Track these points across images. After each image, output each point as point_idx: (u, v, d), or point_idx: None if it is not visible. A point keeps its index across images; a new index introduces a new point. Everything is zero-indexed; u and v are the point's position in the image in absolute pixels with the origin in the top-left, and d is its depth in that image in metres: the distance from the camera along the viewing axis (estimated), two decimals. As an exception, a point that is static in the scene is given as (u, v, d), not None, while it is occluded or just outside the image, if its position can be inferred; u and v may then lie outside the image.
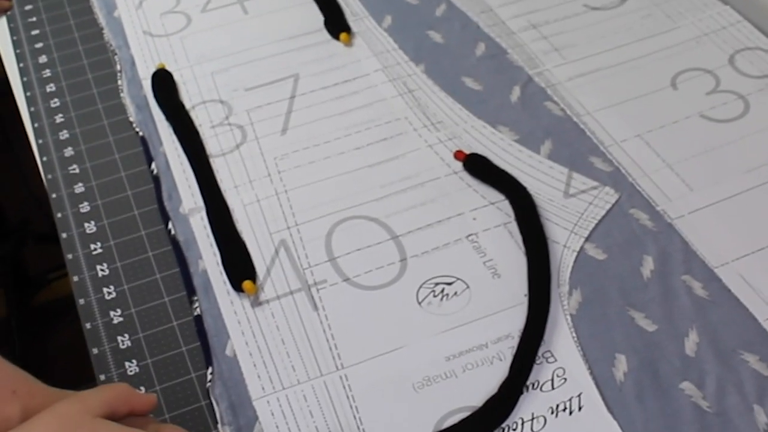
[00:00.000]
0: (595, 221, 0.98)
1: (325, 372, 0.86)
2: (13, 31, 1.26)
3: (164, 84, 1.15)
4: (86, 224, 1.00)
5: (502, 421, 0.82)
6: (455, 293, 0.92)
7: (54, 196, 1.04)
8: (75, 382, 0.73)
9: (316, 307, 0.91)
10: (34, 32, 1.26)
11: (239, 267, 0.94)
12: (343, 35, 1.19)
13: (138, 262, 0.96)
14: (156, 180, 1.04)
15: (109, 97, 1.16)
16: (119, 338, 0.90)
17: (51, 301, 1.91)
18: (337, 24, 1.21)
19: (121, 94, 1.16)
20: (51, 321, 1.83)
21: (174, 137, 1.09)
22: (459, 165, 1.04)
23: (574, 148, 1.06)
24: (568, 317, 0.89)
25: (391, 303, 0.91)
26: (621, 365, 0.86)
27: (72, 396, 0.68)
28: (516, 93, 1.13)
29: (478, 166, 1.03)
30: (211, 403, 0.84)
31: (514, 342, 0.88)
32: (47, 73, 1.20)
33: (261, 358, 0.87)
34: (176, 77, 1.16)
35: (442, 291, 0.92)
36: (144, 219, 1.01)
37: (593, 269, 0.94)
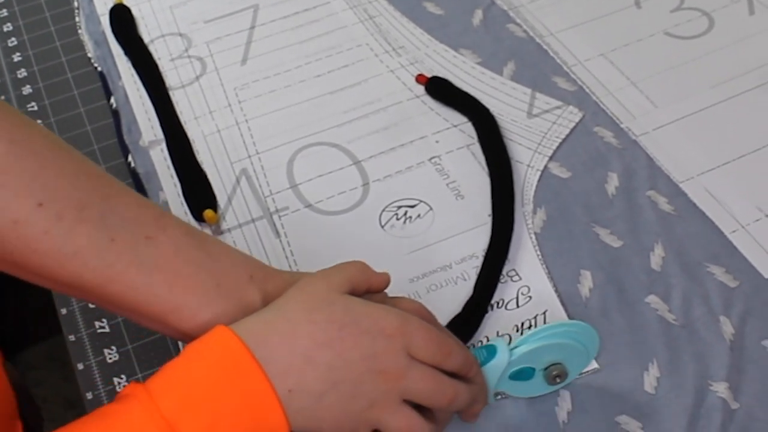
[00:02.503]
0: (559, 140, 0.97)
1: (289, 298, 0.85)
2: (-34, -26, 1.24)
3: (122, 19, 1.13)
4: (45, 160, 0.99)
5: (467, 340, 0.81)
6: (418, 216, 0.91)
7: (12, 133, 1.02)
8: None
9: (278, 234, 0.90)
10: (-11, -26, 1.24)
11: (200, 197, 0.93)
12: None
13: (98, 196, 0.95)
14: (115, 114, 1.03)
15: (66, 34, 1.15)
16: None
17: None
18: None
19: (79, 31, 1.14)
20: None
21: (133, 71, 1.07)
22: (421, 89, 1.03)
23: (538, 68, 1.05)
24: (533, 236, 0.89)
25: (354, 227, 0.91)
26: (586, 281, 0.85)
27: (314, 275, 0.68)
28: (478, 16, 1.11)
29: (440, 89, 1.02)
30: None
31: (479, 262, 0.87)
32: (3, 12, 1.18)
33: (223, 286, 0.86)
34: (134, 12, 1.14)
35: (405, 214, 0.91)
36: (104, 153, 1.00)
37: (558, 188, 0.93)
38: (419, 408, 0.65)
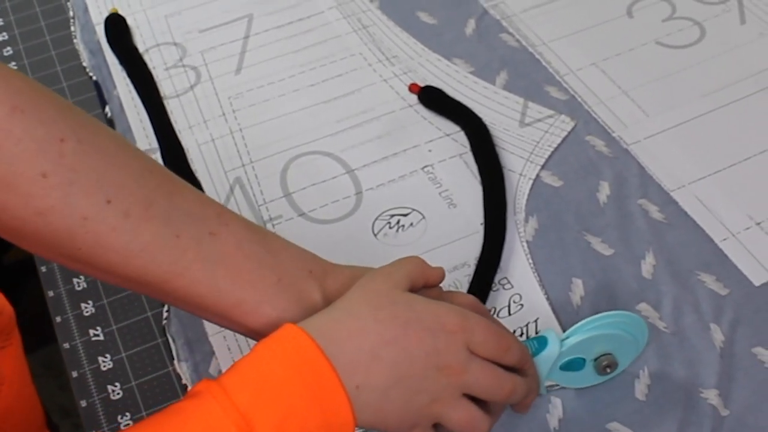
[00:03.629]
0: (551, 149, 0.97)
1: (282, 306, 0.86)
2: (-38, -18, 1.25)
3: (117, 28, 1.14)
4: (40, 169, 0.99)
5: (459, 348, 0.82)
6: (411, 224, 0.92)
7: (7, 142, 1.02)
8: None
9: (271, 243, 0.90)
10: (-15, -17, 1.24)
11: (194, 205, 0.93)
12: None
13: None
14: (110, 123, 1.03)
15: (62, 43, 1.15)
16: (75, 280, 0.90)
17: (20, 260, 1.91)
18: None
19: (75, 40, 1.15)
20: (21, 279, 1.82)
21: (128, 80, 1.08)
22: (414, 98, 1.03)
23: (530, 78, 1.05)
24: (525, 244, 0.89)
25: (347, 236, 0.91)
26: (578, 289, 0.86)
27: (375, 272, 0.69)
28: (471, 26, 1.12)
29: (432, 99, 1.02)
30: (167, 341, 0.84)
31: (471, 270, 0.87)
32: (-1, 22, 1.19)
33: (217, 295, 0.87)
34: (129, 21, 1.15)
35: (398, 222, 0.92)
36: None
37: (549, 196, 0.93)
38: (477, 401, 0.66)
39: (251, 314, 0.66)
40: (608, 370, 0.75)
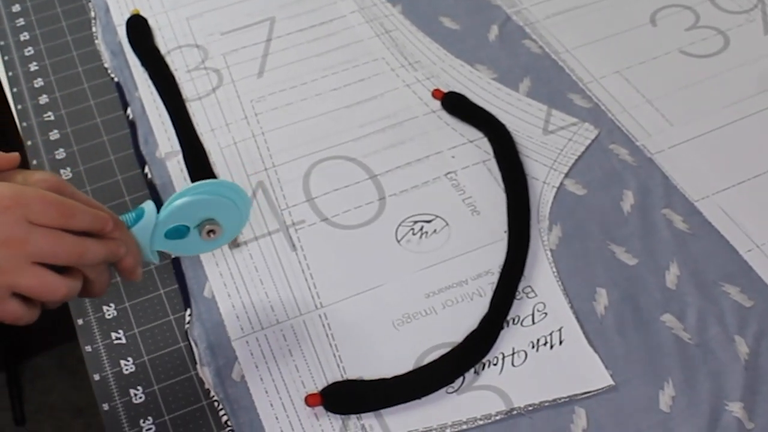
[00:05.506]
0: (575, 157, 0.97)
1: (304, 311, 0.86)
2: (-16, -18, 1.25)
3: (139, 30, 1.14)
4: (62, 170, 0.99)
5: (483, 356, 0.82)
6: (434, 231, 0.91)
7: (29, 143, 1.03)
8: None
9: (294, 248, 0.90)
10: (7, -19, 1.24)
11: (217, 209, 0.93)
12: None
13: (115, 207, 0.95)
14: (132, 125, 1.03)
15: (83, 44, 1.15)
16: (97, 282, 0.89)
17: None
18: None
19: (96, 41, 1.14)
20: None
21: (149, 82, 1.07)
22: (437, 104, 1.03)
23: (553, 85, 1.05)
24: (548, 252, 0.89)
25: (370, 242, 0.91)
26: (602, 299, 0.86)
27: None
28: (494, 32, 1.12)
29: (456, 105, 1.02)
30: (190, 345, 0.84)
31: (494, 278, 0.87)
32: (20, 22, 1.18)
33: (239, 299, 0.87)
34: (151, 23, 1.15)
35: (421, 229, 0.91)
36: (120, 164, 1.00)
37: (573, 204, 0.93)
38: (65, 270, 0.68)
39: None
40: (212, 235, 0.76)
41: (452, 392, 0.80)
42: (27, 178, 0.70)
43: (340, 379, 0.81)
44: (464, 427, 0.78)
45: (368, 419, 0.79)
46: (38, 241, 0.66)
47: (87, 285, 0.71)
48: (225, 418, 0.79)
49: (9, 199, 0.65)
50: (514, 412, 0.78)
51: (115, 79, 1.09)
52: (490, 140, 0.99)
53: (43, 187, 0.68)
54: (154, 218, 0.74)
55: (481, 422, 0.78)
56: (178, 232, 0.76)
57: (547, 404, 0.79)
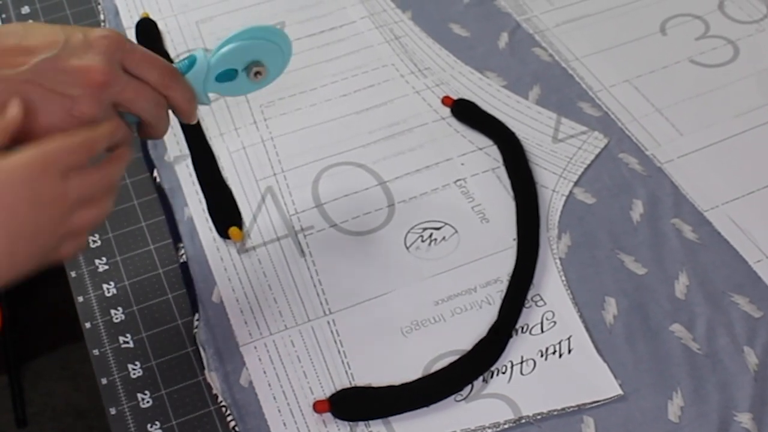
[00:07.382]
0: (584, 166, 0.97)
1: (313, 317, 0.85)
2: (-6, -18, 1.25)
3: (148, 33, 1.13)
4: (70, 173, 0.99)
5: (491, 365, 0.82)
6: (443, 238, 0.91)
7: (37, 145, 1.02)
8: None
9: (303, 253, 0.90)
10: (16, -18, 1.24)
11: (225, 214, 0.93)
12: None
13: (123, 210, 0.95)
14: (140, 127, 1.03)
15: (92, 46, 1.14)
16: (105, 286, 0.89)
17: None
18: None
19: (105, 44, 1.14)
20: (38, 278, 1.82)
21: (158, 86, 1.07)
22: (447, 111, 1.03)
23: (563, 93, 1.05)
24: (558, 261, 0.89)
25: (379, 248, 0.91)
26: (611, 308, 0.85)
27: None
28: (504, 39, 1.12)
29: (465, 112, 1.02)
30: (198, 350, 0.84)
31: (503, 286, 0.87)
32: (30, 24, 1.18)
33: (248, 304, 0.87)
34: (160, 26, 1.15)
35: (431, 236, 0.91)
36: (129, 168, 0.98)
37: (582, 213, 0.93)
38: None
39: None
40: (258, 77, 0.82)
41: (461, 400, 0.80)
42: (87, 34, 0.73)
43: (348, 385, 0.81)
44: (473, 435, 0.78)
45: (376, 426, 0.79)
46: (124, 87, 0.72)
47: (150, 129, 0.78)
48: (233, 423, 0.79)
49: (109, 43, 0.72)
50: (523, 421, 0.78)
51: (124, 83, 1.08)
52: (500, 148, 0.98)
53: (104, 43, 0.71)
54: (206, 64, 0.79)
55: (489, 431, 0.78)
56: (227, 76, 0.81)
57: (555, 413, 0.79)
